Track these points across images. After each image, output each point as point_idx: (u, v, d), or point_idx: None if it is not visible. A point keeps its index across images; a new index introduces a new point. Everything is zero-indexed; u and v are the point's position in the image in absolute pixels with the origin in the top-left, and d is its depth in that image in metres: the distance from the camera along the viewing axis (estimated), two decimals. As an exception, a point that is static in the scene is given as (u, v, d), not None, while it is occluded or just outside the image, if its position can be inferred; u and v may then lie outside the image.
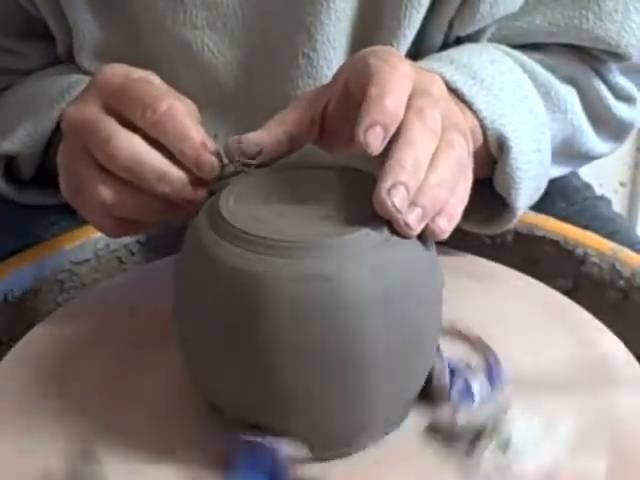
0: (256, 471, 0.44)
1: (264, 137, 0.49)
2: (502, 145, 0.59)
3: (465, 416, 0.48)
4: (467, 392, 0.49)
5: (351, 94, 0.49)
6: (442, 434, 0.48)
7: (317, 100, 0.50)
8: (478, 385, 0.49)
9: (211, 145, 0.49)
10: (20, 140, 0.67)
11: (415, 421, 0.49)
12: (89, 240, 0.68)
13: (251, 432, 0.44)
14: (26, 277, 0.64)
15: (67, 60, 0.72)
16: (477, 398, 0.49)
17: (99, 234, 0.68)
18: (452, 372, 0.50)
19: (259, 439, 0.44)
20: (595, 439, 0.48)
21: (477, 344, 0.54)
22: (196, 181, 0.50)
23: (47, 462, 0.47)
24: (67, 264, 0.67)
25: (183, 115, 0.49)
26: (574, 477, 0.46)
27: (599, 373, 0.53)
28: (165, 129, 0.49)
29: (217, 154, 0.49)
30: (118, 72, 0.52)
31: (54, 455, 0.47)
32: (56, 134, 0.67)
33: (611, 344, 0.56)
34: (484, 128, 0.58)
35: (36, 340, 0.56)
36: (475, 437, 0.47)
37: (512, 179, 0.59)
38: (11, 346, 0.56)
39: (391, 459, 0.47)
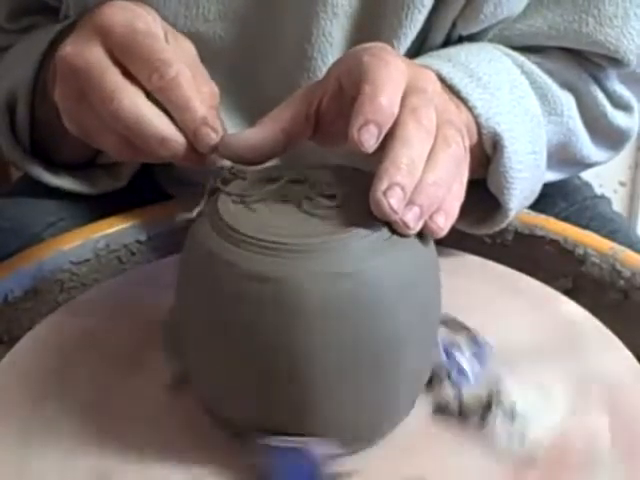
0: (293, 476, 0.44)
1: (260, 134, 0.49)
2: (496, 144, 0.58)
3: (468, 393, 0.49)
4: (461, 372, 0.50)
5: (344, 91, 0.49)
6: (452, 414, 0.49)
7: (311, 96, 0.50)
8: (469, 365, 0.51)
9: (212, 120, 0.49)
10: (16, 76, 0.67)
11: (421, 406, 0.50)
12: (89, 240, 0.68)
13: (277, 437, 0.44)
14: (26, 277, 0.64)
15: None
16: (470, 376, 0.50)
17: (99, 234, 0.68)
18: (447, 355, 0.51)
19: (292, 443, 0.44)
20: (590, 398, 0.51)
21: (458, 327, 0.54)
22: (195, 149, 0.50)
23: (47, 463, 0.47)
24: (67, 264, 0.67)
25: (189, 84, 0.50)
26: (582, 435, 0.48)
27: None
28: (169, 97, 0.49)
29: (216, 130, 0.49)
30: (121, 17, 0.51)
31: (53, 456, 0.47)
32: (39, 74, 0.67)
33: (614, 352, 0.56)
34: (479, 125, 0.58)
35: (36, 340, 0.56)
36: (484, 410, 0.48)
37: (505, 179, 0.59)
38: (11, 346, 0.56)
39: (408, 445, 0.48)
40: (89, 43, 0.51)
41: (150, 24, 0.52)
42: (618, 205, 1.60)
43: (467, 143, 0.50)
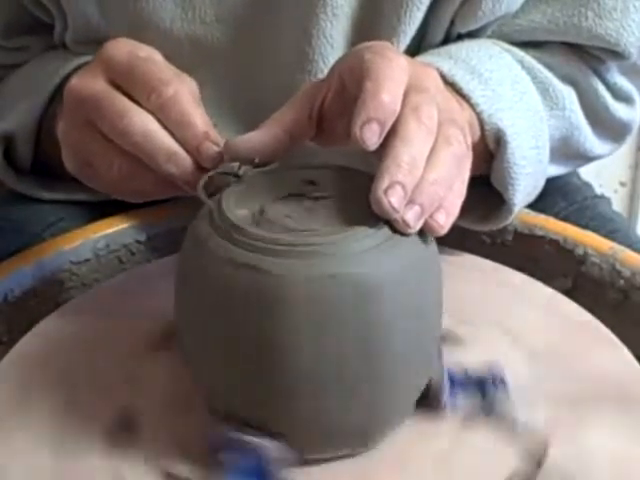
0: (242, 469, 0.44)
1: (263, 136, 0.49)
2: (499, 140, 0.59)
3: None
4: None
5: (347, 89, 0.49)
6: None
7: (313, 96, 0.51)
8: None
9: (213, 134, 0.50)
10: (15, 120, 0.68)
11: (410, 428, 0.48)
12: (89, 240, 0.68)
13: (238, 430, 0.44)
14: (26, 277, 0.64)
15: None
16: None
17: (99, 234, 0.68)
18: (452, 383, 0.49)
19: (246, 438, 0.44)
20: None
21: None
22: (200, 167, 0.50)
23: (46, 462, 0.47)
24: (67, 264, 0.67)
25: (188, 101, 0.50)
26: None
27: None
28: (169, 115, 0.50)
29: (218, 144, 0.50)
30: (123, 49, 0.52)
31: (53, 454, 0.47)
32: (49, 109, 0.68)
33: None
34: (481, 122, 0.58)
35: (36, 340, 0.56)
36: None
37: (509, 174, 0.59)
38: (11, 346, 0.56)
39: (390, 460, 0.47)
40: (94, 76, 0.52)
41: (151, 53, 0.54)
42: (618, 205, 1.60)
43: (469, 141, 0.50)
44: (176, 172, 0.50)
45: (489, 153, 0.60)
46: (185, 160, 0.50)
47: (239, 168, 0.49)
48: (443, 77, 0.57)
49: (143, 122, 0.50)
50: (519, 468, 0.46)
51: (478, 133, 0.58)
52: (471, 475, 0.46)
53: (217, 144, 0.50)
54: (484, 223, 0.64)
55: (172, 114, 0.50)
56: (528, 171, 0.60)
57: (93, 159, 0.53)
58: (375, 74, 0.46)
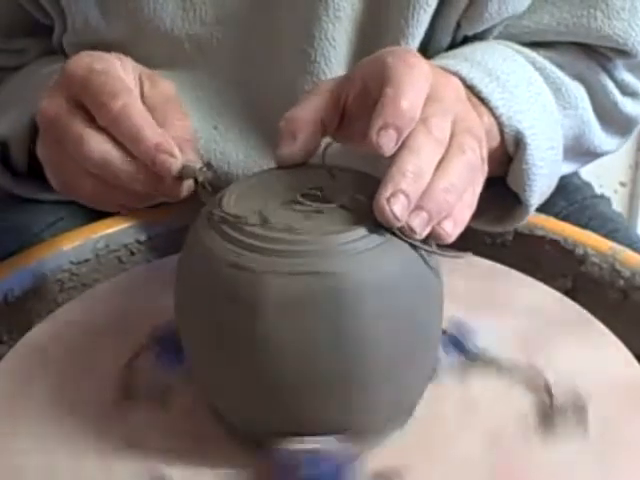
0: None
1: (307, 115, 0.49)
2: (518, 142, 0.59)
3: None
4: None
5: (369, 92, 0.48)
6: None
7: (338, 91, 0.50)
8: None
9: (165, 144, 0.49)
10: (8, 125, 0.68)
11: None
12: (89, 240, 0.68)
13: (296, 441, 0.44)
14: (26, 277, 0.64)
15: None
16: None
17: (99, 234, 0.68)
18: None
19: (310, 446, 0.44)
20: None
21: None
22: (162, 177, 0.50)
23: (46, 462, 0.47)
24: (67, 264, 0.67)
25: (138, 115, 0.49)
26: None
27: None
28: (120, 130, 0.49)
29: (171, 152, 0.49)
30: (83, 63, 0.52)
31: (53, 455, 0.47)
32: None
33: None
34: (501, 126, 0.58)
35: (36, 340, 0.56)
36: None
37: (527, 176, 0.59)
38: (11, 346, 0.56)
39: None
40: (55, 95, 0.52)
41: (109, 64, 0.53)
42: (618, 205, 1.60)
43: (485, 154, 0.49)
44: (142, 189, 0.50)
45: (507, 155, 0.60)
46: (148, 177, 0.49)
47: (200, 170, 0.49)
48: (462, 80, 0.57)
49: (99, 146, 0.49)
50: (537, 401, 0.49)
51: (497, 138, 0.58)
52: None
53: (172, 154, 0.49)
54: (499, 224, 0.64)
55: (122, 129, 0.49)
56: (545, 172, 0.60)
57: (68, 178, 0.53)
58: (396, 80, 0.46)
